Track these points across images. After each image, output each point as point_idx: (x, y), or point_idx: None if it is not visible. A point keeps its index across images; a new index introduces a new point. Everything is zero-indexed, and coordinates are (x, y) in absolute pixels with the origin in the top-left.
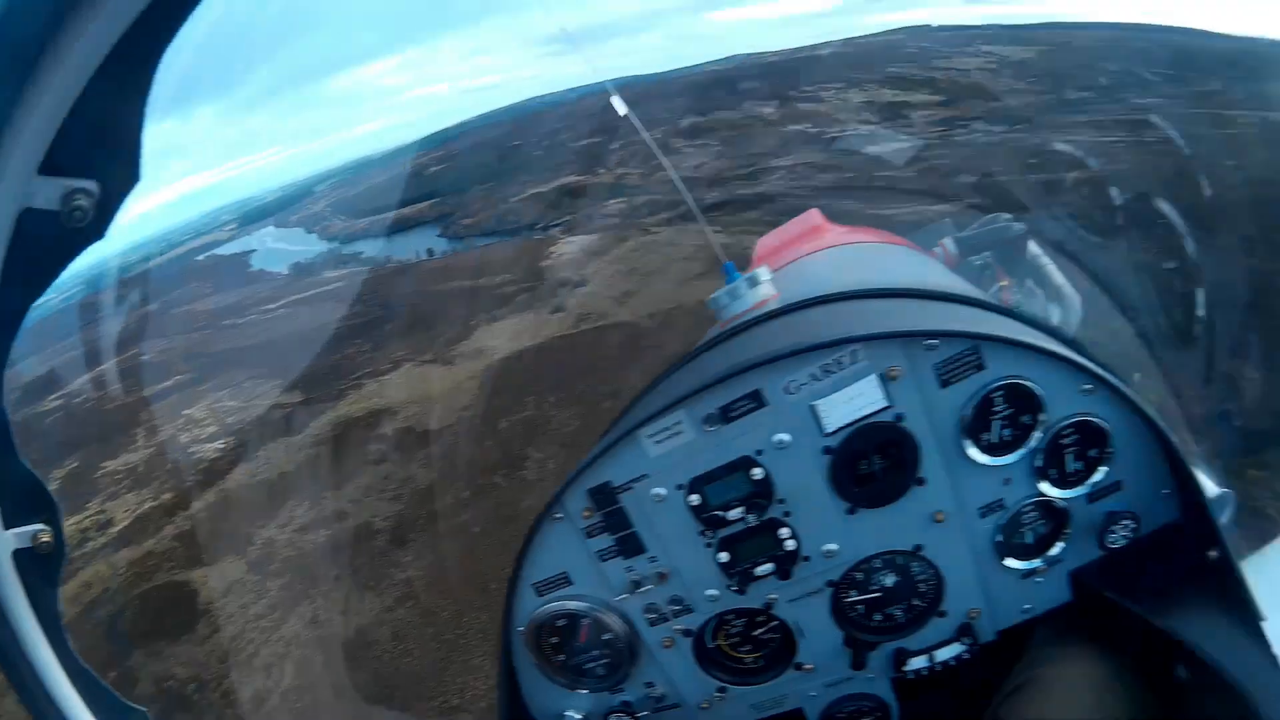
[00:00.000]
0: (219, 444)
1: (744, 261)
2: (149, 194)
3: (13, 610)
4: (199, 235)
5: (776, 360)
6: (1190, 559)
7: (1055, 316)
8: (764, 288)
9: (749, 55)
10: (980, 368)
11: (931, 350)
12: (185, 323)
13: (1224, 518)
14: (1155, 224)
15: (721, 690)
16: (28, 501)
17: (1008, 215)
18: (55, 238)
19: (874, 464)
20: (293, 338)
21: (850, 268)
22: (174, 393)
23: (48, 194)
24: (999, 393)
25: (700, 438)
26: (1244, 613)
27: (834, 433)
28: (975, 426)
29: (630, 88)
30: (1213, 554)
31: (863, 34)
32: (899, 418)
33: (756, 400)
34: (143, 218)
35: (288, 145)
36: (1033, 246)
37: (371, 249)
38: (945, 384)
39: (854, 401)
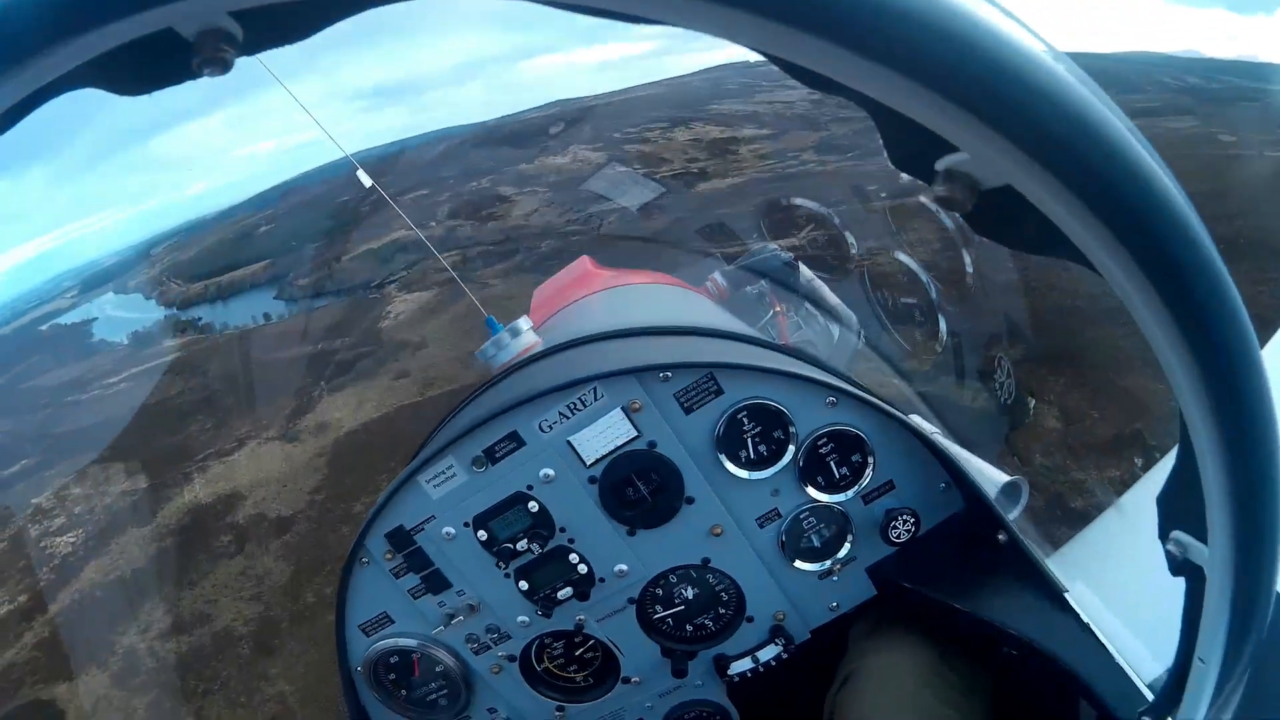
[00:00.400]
0: (70, 536)
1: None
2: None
3: None
4: (43, 303)
5: (523, 404)
6: (982, 545)
7: (836, 333)
8: (525, 336)
9: (570, 100)
10: (719, 393)
11: (667, 382)
12: (30, 399)
13: (1021, 501)
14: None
15: (560, 709)
16: None
17: (774, 245)
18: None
19: (641, 489)
20: (136, 414)
21: (613, 311)
22: (20, 480)
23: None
24: (743, 413)
25: (473, 478)
26: (1046, 588)
27: (594, 463)
28: (730, 445)
29: (454, 137)
30: (1001, 537)
31: (683, 73)
32: (652, 444)
33: (516, 440)
34: None
35: (124, 207)
36: (805, 270)
37: (209, 314)
38: (688, 410)
39: (606, 433)
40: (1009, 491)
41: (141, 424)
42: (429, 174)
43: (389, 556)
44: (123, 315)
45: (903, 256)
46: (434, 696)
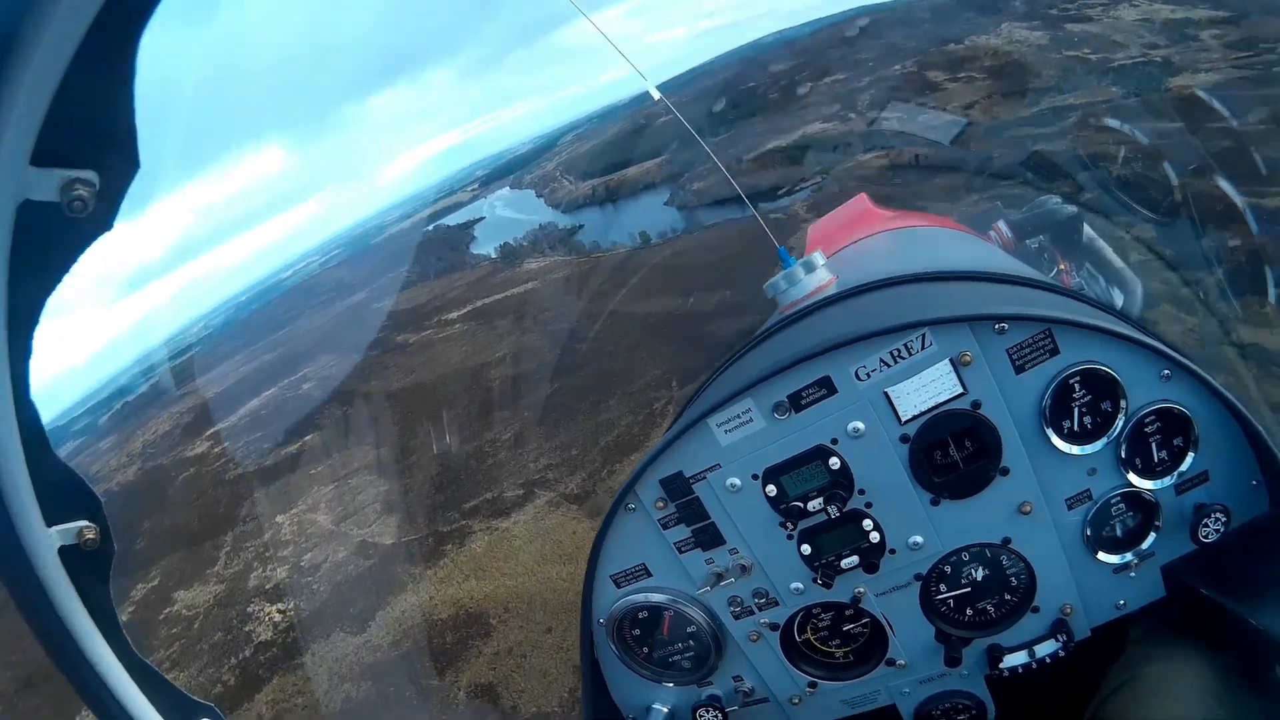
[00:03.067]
0: None
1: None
2: (400, 155)
3: (66, 609)
4: (449, 193)
5: (845, 345)
6: None
7: (1118, 300)
8: (820, 272)
9: None
10: (1055, 353)
11: (1002, 335)
12: (361, 328)
13: None
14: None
15: (812, 685)
16: (68, 499)
17: (1058, 198)
18: (59, 230)
19: (954, 453)
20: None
21: (906, 252)
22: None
23: (44, 186)
24: (1076, 379)
25: (771, 425)
26: None
27: (910, 420)
28: (1056, 413)
29: (872, 15)
30: None
31: None
32: (976, 405)
33: (827, 387)
34: (403, 177)
35: (536, 98)
36: (1088, 229)
37: (591, 221)
38: (1019, 370)
39: (928, 388)
40: None
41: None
42: (845, 54)
43: (660, 505)
44: (508, 215)
45: None
46: (678, 658)
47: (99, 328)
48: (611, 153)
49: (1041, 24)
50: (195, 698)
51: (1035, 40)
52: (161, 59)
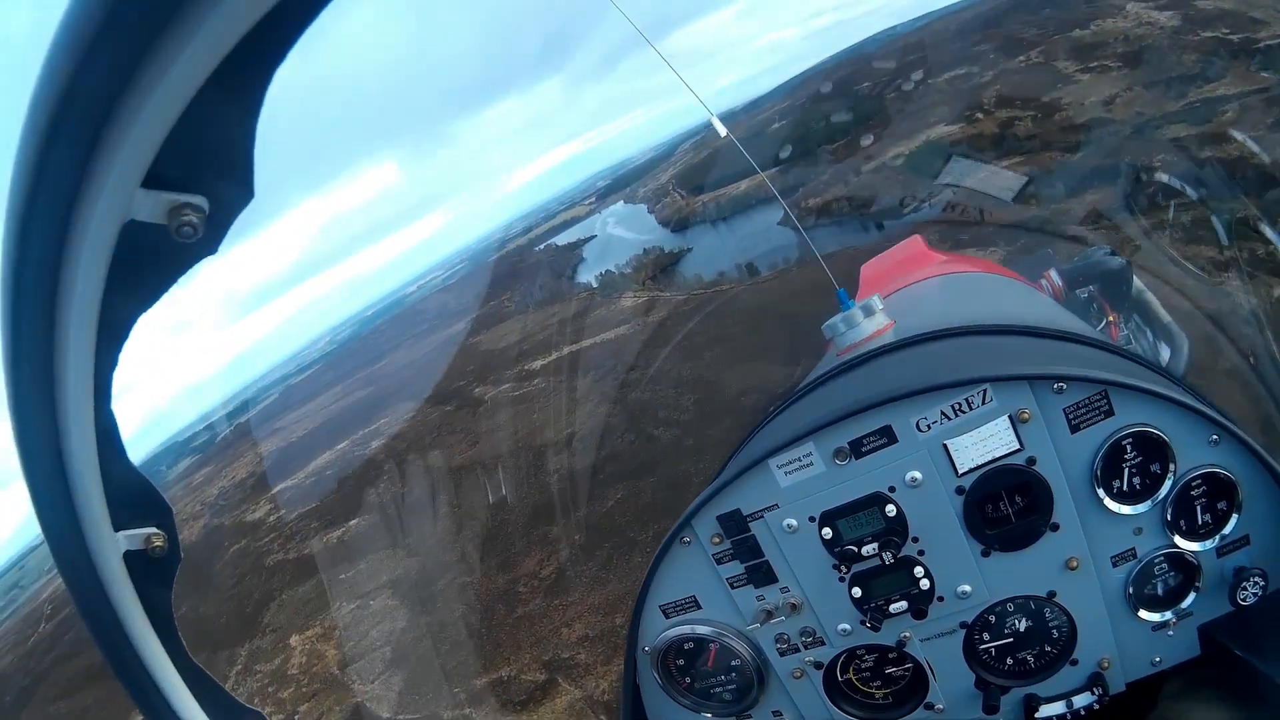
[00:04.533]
0: None
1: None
2: (520, 166)
3: (125, 612)
4: (569, 205)
5: (908, 396)
6: None
7: (1164, 356)
8: (879, 317)
9: None
10: (1110, 413)
11: (1060, 394)
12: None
13: None
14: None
15: None
16: (139, 505)
17: (1107, 248)
18: (162, 251)
19: (1007, 507)
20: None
21: (963, 300)
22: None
23: (152, 208)
24: (1128, 440)
25: (831, 470)
26: None
27: (966, 473)
28: (1107, 473)
29: (986, 2)
30: None
31: None
32: (1031, 461)
33: (888, 436)
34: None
35: (650, 106)
36: (1138, 280)
37: (699, 244)
38: (1075, 429)
39: (987, 442)
40: None
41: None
42: (962, 47)
43: (716, 540)
44: (618, 234)
45: None
46: (720, 690)
47: (227, 343)
48: (722, 164)
49: (1169, 1)
50: (244, 704)
51: (1166, 22)
52: (274, 83)
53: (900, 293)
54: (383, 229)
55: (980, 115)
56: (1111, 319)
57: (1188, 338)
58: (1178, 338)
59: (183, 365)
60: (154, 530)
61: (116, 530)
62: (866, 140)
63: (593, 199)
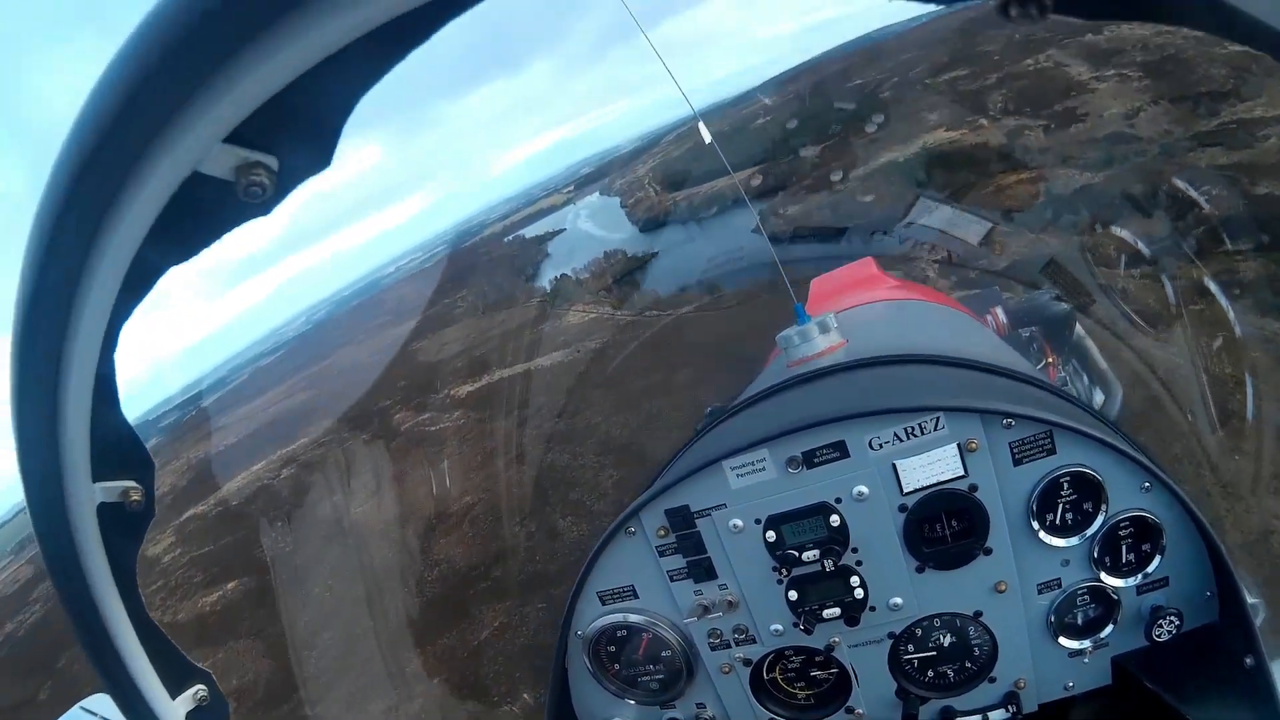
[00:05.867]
0: None
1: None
2: (506, 150)
3: (89, 564)
4: (550, 192)
5: (867, 416)
6: (1226, 661)
7: (1097, 401)
8: (833, 334)
9: None
10: (1052, 452)
11: (1008, 429)
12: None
13: (1257, 622)
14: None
15: None
16: (121, 457)
17: (1053, 292)
18: (219, 207)
19: (945, 529)
20: None
21: (913, 327)
22: None
23: (223, 163)
24: (1066, 478)
25: (782, 477)
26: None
27: (911, 492)
28: (1042, 506)
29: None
30: (1249, 660)
31: None
32: (973, 488)
33: (841, 450)
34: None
35: (638, 95)
36: (1079, 327)
37: (666, 247)
38: (1018, 462)
39: (933, 466)
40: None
41: None
42: (963, 46)
43: (662, 533)
44: (587, 230)
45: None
46: (648, 678)
47: (203, 319)
48: (700, 161)
49: None
50: (195, 663)
51: (1189, 30)
52: None
53: (850, 312)
54: (365, 208)
55: (984, 121)
56: (1050, 360)
57: (1121, 386)
58: (1112, 385)
59: (156, 341)
60: (132, 484)
61: (95, 481)
62: (855, 143)
63: (571, 188)
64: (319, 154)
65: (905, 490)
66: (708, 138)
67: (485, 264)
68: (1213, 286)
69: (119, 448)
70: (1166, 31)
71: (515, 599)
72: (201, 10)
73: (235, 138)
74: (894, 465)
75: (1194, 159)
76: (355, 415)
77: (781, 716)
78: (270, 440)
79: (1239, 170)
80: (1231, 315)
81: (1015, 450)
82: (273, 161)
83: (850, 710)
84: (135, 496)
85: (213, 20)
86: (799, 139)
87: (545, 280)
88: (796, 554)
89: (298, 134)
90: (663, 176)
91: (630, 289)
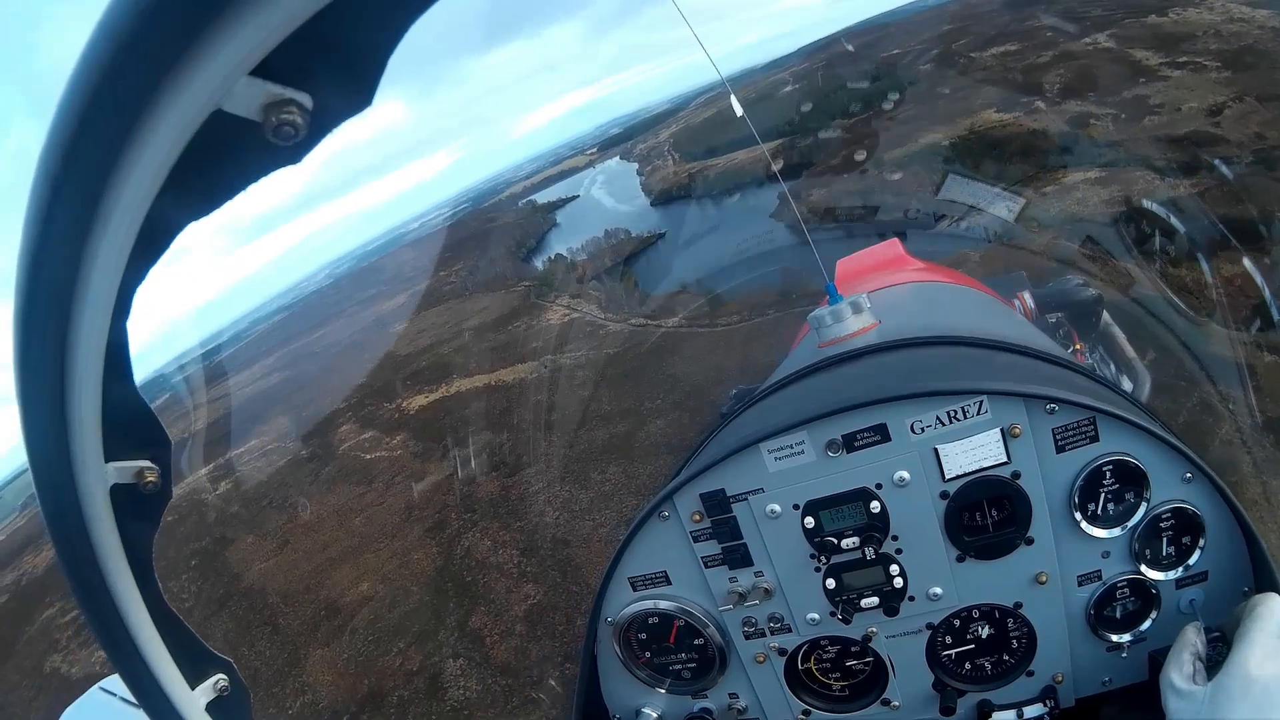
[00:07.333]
0: None
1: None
2: (533, 110)
3: (103, 548)
4: (575, 153)
5: (909, 398)
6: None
7: (1128, 388)
8: (865, 315)
9: None
10: (1095, 439)
11: (1051, 415)
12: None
13: None
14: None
15: (806, 713)
16: (136, 435)
17: (1081, 279)
18: (243, 151)
19: (986, 517)
20: None
21: (945, 310)
22: None
23: (249, 99)
24: (1108, 467)
25: (821, 461)
26: None
27: (953, 479)
28: (1084, 496)
29: None
30: None
31: None
32: (1016, 475)
33: (882, 434)
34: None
35: (667, 59)
36: (1106, 315)
37: (675, 226)
38: (1061, 449)
39: (976, 452)
40: None
41: None
42: (1013, 19)
43: (696, 518)
44: (600, 198)
45: None
46: (679, 667)
47: (227, 271)
48: (722, 131)
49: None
50: (216, 652)
51: (1264, 20)
52: None
53: (879, 293)
54: (392, 163)
55: (1040, 103)
56: (1079, 346)
57: (1150, 376)
58: (1140, 374)
59: (179, 293)
60: (147, 464)
61: (108, 461)
62: (895, 121)
63: (595, 150)
64: (359, 91)
65: (947, 477)
66: (739, 110)
67: (489, 232)
68: None
69: (132, 424)
70: (1240, 19)
71: None
72: None
73: (264, 70)
74: (936, 450)
75: None
76: (307, 421)
77: (816, 708)
78: (238, 428)
79: None
80: None
81: (1058, 436)
82: (306, 99)
83: (886, 702)
84: (150, 477)
85: None
86: (829, 112)
87: (540, 260)
88: (835, 541)
89: (335, 67)
90: (682, 144)
91: (624, 285)
